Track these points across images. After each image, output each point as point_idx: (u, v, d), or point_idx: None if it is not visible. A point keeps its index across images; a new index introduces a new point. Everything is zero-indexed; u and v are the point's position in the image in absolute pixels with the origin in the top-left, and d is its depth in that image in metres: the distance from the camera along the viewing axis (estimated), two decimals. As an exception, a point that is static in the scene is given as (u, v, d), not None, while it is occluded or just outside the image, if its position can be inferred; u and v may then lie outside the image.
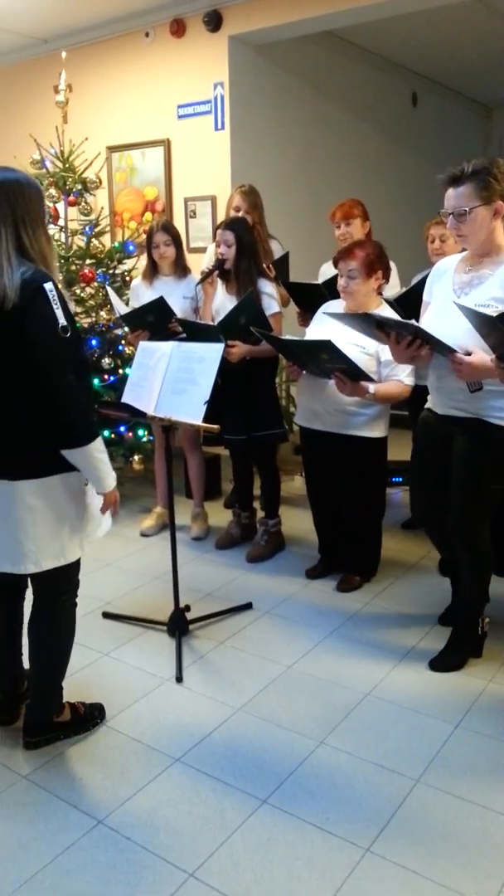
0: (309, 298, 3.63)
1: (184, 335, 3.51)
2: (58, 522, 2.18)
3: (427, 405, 2.71)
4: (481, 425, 2.50)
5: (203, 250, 4.70)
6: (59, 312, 1.99)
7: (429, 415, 2.69)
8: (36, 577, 2.27)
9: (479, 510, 2.63)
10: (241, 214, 3.86)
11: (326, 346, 2.79)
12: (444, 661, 2.78)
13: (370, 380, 2.94)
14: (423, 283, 2.76)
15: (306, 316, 3.67)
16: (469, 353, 2.33)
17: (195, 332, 3.42)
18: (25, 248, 2.03)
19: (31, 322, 1.98)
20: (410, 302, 2.98)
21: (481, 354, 2.31)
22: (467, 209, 2.34)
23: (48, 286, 1.99)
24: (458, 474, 2.60)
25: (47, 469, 2.12)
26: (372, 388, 2.96)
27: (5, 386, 2.06)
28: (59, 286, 2.05)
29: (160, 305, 3.57)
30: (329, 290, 3.43)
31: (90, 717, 2.48)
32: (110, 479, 2.19)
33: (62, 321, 1.99)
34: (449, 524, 2.69)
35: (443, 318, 2.47)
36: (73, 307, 4.21)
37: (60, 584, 2.32)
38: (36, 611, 2.34)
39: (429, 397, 2.70)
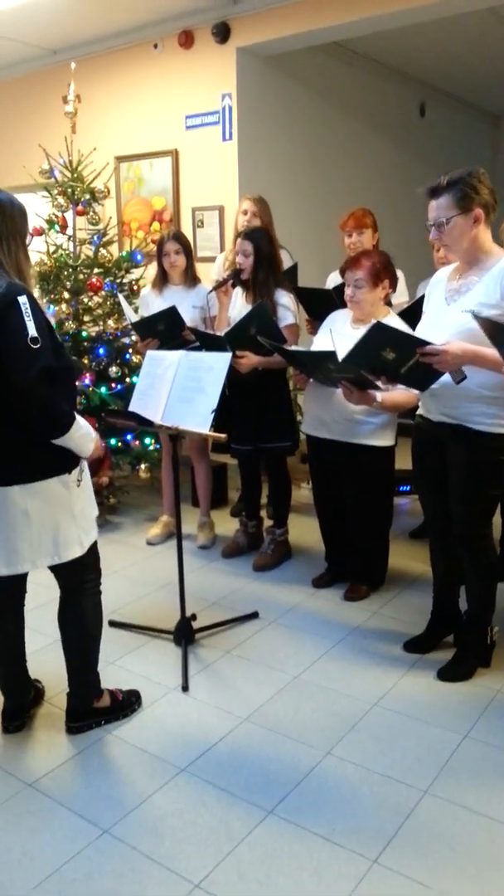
0: (318, 305, 3.63)
1: (195, 344, 3.51)
2: (52, 523, 2.25)
3: (419, 411, 2.75)
4: (473, 433, 2.51)
5: (211, 259, 4.71)
6: (30, 324, 2.08)
7: (421, 421, 2.73)
8: (57, 569, 2.36)
9: (482, 517, 2.63)
10: (248, 217, 3.86)
11: (332, 357, 2.79)
12: (453, 671, 2.76)
13: (377, 388, 2.94)
14: (419, 302, 2.81)
15: (315, 324, 3.66)
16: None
17: (205, 341, 3.42)
18: (1, 262, 2.13)
19: (2, 333, 2.06)
20: (415, 315, 2.99)
21: (458, 342, 2.34)
22: (445, 219, 2.42)
23: (21, 299, 2.08)
24: (456, 483, 2.61)
25: (38, 473, 2.20)
26: (379, 396, 2.96)
27: None
28: (34, 298, 2.16)
29: (172, 315, 3.57)
30: (339, 297, 3.42)
31: (128, 703, 2.59)
32: (91, 442, 2.27)
33: (32, 332, 2.08)
34: (453, 530, 2.69)
35: (434, 326, 2.53)
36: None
37: (82, 573, 2.41)
38: (63, 601, 2.45)
39: (420, 403, 2.74)
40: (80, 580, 2.43)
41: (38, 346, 2.08)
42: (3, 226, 2.14)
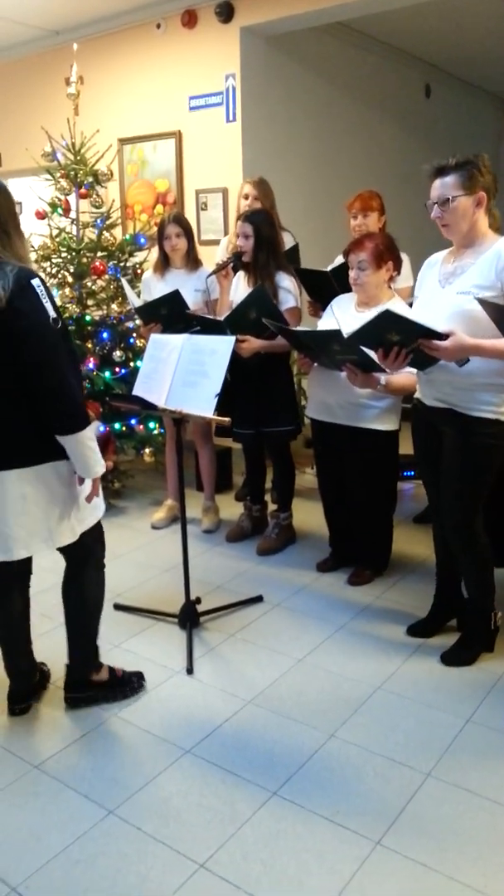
0: (318, 286, 3.61)
1: (199, 328, 3.49)
2: (48, 509, 2.25)
3: (416, 395, 2.76)
4: (466, 419, 2.52)
5: (215, 243, 4.69)
6: (48, 305, 2.08)
7: (418, 404, 2.74)
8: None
9: (471, 503, 2.63)
10: (250, 202, 3.83)
11: (337, 337, 2.78)
12: (456, 656, 2.77)
13: (382, 371, 2.93)
14: None
15: (317, 306, 3.64)
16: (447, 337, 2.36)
17: (207, 326, 3.40)
18: (15, 248, 2.13)
19: (23, 316, 2.05)
20: None
21: (459, 336, 2.34)
22: (450, 197, 2.42)
23: (35, 282, 2.08)
24: (449, 469, 2.63)
25: (37, 457, 2.19)
26: (383, 378, 2.95)
27: None
28: (44, 281, 2.15)
29: (175, 298, 3.55)
30: (338, 280, 3.40)
31: (128, 682, 2.62)
32: (99, 466, 2.24)
33: (52, 313, 2.08)
34: (443, 521, 2.71)
35: (428, 309, 2.53)
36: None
37: (87, 548, 2.44)
38: (67, 573, 2.49)
39: (417, 387, 2.74)
40: (85, 554, 2.46)
41: (59, 327, 2.10)
42: (8, 211, 2.12)
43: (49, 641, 2.81)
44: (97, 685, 2.56)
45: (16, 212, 2.19)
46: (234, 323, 3.29)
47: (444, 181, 2.44)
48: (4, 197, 2.14)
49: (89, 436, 2.18)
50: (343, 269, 3.26)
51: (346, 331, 2.69)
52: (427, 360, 2.47)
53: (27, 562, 2.47)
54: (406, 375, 3.01)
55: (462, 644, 2.81)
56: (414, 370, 2.99)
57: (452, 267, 2.55)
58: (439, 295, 2.53)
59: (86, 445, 2.17)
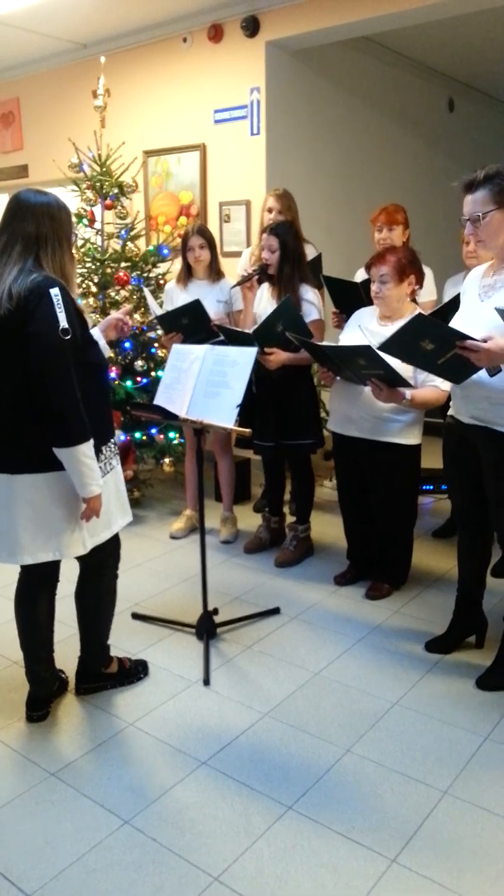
0: (345, 297, 3.61)
1: (221, 339, 3.51)
2: (57, 518, 2.26)
3: (450, 412, 2.72)
4: (501, 436, 2.48)
5: (237, 254, 4.71)
6: (61, 315, 2.10)
7: (452, 422, 2.70)
8: None
9: None
10: (273, 215, 3.85)
11: (365, 352, 2.77)
12: (495, 679, 2.69)
13: (408, 385, 2.93)
14: (451, 302, 2.77)
15: (341, 317, 3.64)
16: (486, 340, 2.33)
17: (232, 338, 3.41)
18: (42, 265, 2.16)
19: (33, 322, 2.09)
20: (442, 318, 2.96)
21: (498, 339, 2.32)
22: (481, 214, 2.38)
23: (53, 291, 2.11)
24: (490, 486, 2.58)
25: (48, 465, 2.20)
26: (409, 393, 2.94)
27: (12, 383, 2.17)
28: (74, 296, 2.19)
29: (196, 308, 3.58)
30: (365, 292, 3.40)
31: (134, 671, 2.75)
32: (94, 485, 2.23)
33: (63, 324, 2.10)
34: (497, 536, 2.67)
35: (468, 323, 2.50)
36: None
37: (101, 557, 2.50)
38: (82, 579, 2.57)
39: (451, 404, 2.71)
40: (98, 563, 2.52)
41: (68, 337, 2.11)
42: (50, 228, 2.17)
43: (66, 648, 2.82)
44: (107, 677, 2.69)
45: (71, 233, 2.25)
46: (262, 335, 3.30)
47: (475, 197, 2.39)
48: (65, 216, 2.22)
49: (86, 452, 2.17)
50: (368, 285, 3.26)
51: (371, 343, 2.69)
52: (464, 369, 2.44)
53: (54, 568, 2.49)
54: (431, 389, 3.01)
55: (500, 666, 2.73)
56: (438, 383, 2.99)
57: (492, 280, 2.52)
58: (478, 308, 2.50)
59: (81, 462, 2.17)
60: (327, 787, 2.21)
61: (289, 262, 3.48)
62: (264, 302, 3.64)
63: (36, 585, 2.48)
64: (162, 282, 4.55)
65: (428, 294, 3.64)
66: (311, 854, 1.97)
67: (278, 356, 3.38)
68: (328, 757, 2.35)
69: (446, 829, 2.06)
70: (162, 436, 4.44)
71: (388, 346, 2.58)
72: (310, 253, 4.00)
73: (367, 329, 3.09)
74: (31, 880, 1.90)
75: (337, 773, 2.27)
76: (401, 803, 2.15)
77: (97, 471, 2.23)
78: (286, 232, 3.50)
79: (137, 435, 4.37)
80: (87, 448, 2.17)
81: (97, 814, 2.12)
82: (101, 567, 2.54)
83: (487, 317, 2.42)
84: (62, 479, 2.23)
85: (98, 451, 2.28)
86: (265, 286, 3.65)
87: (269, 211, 3.90)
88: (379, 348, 2.64)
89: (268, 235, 3.52)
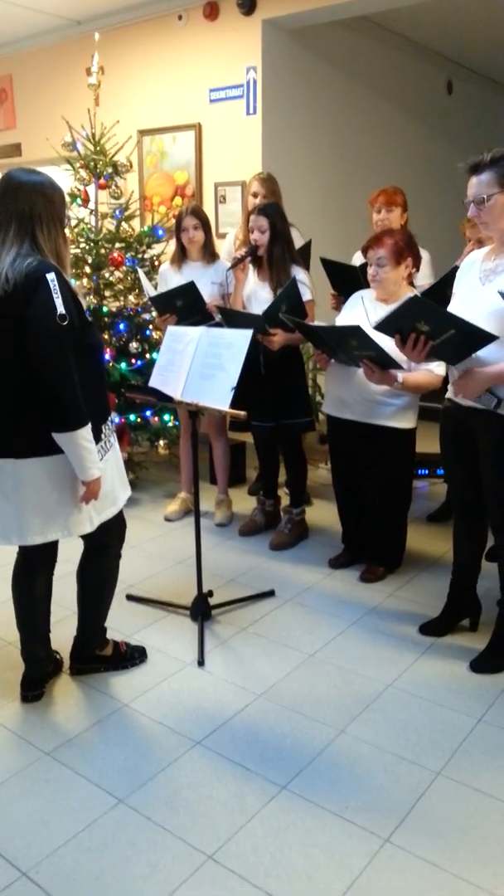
0: (343, 280, 3.59)
1: (215, 321, 3.49)
2: (65, 498, 2.27)
3: (448, 395, 2.71)
4: (500, 420, 2.48)
5: (232, 236, 4.67)
6: (58, 301, 2.08)
7: (450, 405, 2.69)
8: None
9: None
10: (258, 200, 3.83)
11: (356, 333, 2.76)
12: (488, 662, 2.71)
13: (399, 368, 2.91)
14: (448, 276, 2.74)
15: (339, 299, 3.62)
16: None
17: (234, 320, 3.38)
18: (40, 245, 2.15)
19: (30, 307, 2.08)
20: (439, 294, 2.95)
21: (478, 370, 2.38)
22: (486, 196, 2.37)
23: (50, 276, 2.09)
24: (487, 471, 2.58)
25: (53, 448, 2.20)
26: (401, 376, 2.93)
27: (10, 368, 2.16)
28: (68, 279, 2.17)
29: (190, 290, 3.55)
30: (363, 276, 3.38)
31: (130, 656, 2.74)
32: (94, 469, 2.23)
33: (60, 309, 2.08)
34: (490, 521, 2.67)
35: (467, 306, 2.50)
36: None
37: (106, 537, 2.50)
38: (84, 559, 2.57)
39: (449, 387, 2.69)
40: (102, 543, 2.52)
41: (66, 323, 2.10)
42: (45, 210, 2.15)
43: (62, 630, 2.82)
44: (101, 658, 2.68)
45: (64, 216, 2.23)
46: (270, 316, 3.29)
47: (480, 179, 2.37)
48: (59, 198, 2.19)
49: (85, 437, 2.17)
50: (364, 268, 3.24)
51: (373, 321, 2.67)
52: (461, 349, 2.43)
53: (52, 548, 2.51)
54: (424, 373, 3.00)
55: (493, 650, 2.75)
56: (432, 367, 2.98)
57: (493, 265, 2.50)
58: (479, 292, 2.48)
59: (80, 446, 2.17)
60: (321, 768, 2.23)
61: (279, 243, 3.47)
62: (251, 283, 3.63)
63: (34, 565, 2.49)
64: (157, 263, 4.51)
65: (425, 277, 3.62)
66: (304, 833, 1.99)
67: (281, 336, 3.38)
68: (322, 738, 2.36)
69: (439, 809, 2.07)
70: (157, 418, 4.42)
71: (382, 326, 2.57)
72: (295, 237, 3.96)
73: (368, 308, 3.08)
74: (26, 858, 1.91)
75: (331, 754, 2.29)
76: (394, 784, 2.16)
77: (96, 454, 2.23)
78: (275, 213, 3.49)
79: (132, 417, 4.35)
80: (86, 432, 2.17)
81: (92, 793, 2.13)
82: (104, 547, 2.55)
83: (488, 300, 2.41)
84: (64, 462, 2.23)
85: (98, 431, 2.28)
86: (251, 267, 3.64)
87: (255, 195, 3.88)
88: (374, 329, 2.63)
89: (256, 216, 3.50)
